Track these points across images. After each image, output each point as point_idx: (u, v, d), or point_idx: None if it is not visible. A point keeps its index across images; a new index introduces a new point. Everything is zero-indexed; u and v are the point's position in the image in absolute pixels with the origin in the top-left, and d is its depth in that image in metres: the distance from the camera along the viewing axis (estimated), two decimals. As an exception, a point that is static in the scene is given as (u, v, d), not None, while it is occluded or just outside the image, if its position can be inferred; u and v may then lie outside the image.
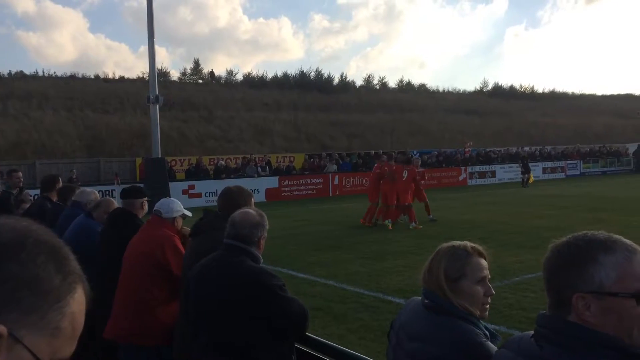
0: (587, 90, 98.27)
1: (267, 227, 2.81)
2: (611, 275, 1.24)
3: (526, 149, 36.36)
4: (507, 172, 30.71)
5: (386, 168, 14.40)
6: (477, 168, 29.82)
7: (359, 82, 63.85)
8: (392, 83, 67.82)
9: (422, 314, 1.94)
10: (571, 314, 1.28)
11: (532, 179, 26.60)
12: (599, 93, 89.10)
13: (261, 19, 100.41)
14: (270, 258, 7.65)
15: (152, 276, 3.61)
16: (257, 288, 2.59)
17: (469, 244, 1.99)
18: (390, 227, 13.36)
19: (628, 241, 1.30)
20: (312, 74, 57.41)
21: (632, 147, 37.95)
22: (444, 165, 29.66)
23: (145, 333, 3.53)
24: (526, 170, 26.95)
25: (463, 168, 29.30)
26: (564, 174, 32.83)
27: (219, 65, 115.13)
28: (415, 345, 1.91)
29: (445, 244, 2.01)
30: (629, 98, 72.15)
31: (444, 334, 1.83)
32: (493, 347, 1.80)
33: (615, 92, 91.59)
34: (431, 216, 14.46)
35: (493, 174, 30.15)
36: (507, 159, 33.10)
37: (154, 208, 3.88)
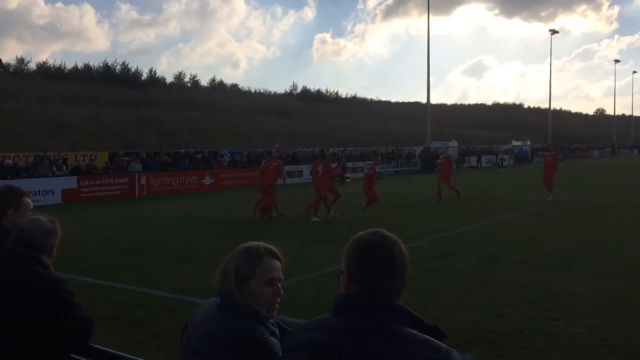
0: (384, 97, 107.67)
1: (60, 234, 2.67)
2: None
3: (331, 149, 38.56)
4: (314, 172, 32.28)
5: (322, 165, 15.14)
6: (286, 168, 30.77)
7: (169, 79, 61.87)
8: (204, 81, 67.00)
9: (213, 313, 1.93)
10: (391, 293, 1.53)
11: (349, 178, 28.69)
12: (393, 100, 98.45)
13: (60, 4, 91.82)
14: (66, 265, 7.00)
15: None
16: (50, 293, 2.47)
17: (263, 244, 2.01)
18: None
19: None
20: (118, 68, 54.13)
21: (418, 150, 42.51)
22: (254, 164, 30.10)
23: None
24: (344, 170, 28.83)
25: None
26: (363, 173, 35.56)
27: (7, 52, 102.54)
28: (200, 343, 1.89)
29: (242, 244, 2.01)
30: (417, 106, 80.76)
31: (227, 332, 1.84)
32: (275, 343, 1.85)
33: (406, 100, 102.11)
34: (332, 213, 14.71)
35: (301, 173, 31.47)
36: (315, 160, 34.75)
37: None
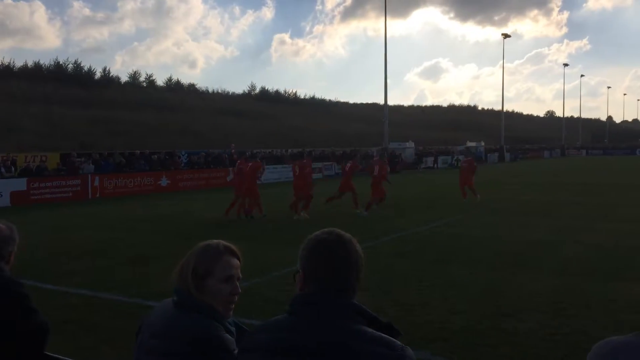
0: (342, 98, 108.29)
1: (18, 240, 2.63)
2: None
3: (289, 150, 38.51)
4: (272, 173, 32.18)
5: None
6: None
7: (124, 78, 60.61)
8: (161, 81, 65.88)
9: (169, 311, 1.93)
10: (348, 294, 1.57)
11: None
12: (351, 101, 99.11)
13: (9, 0, 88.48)
14: (15, 269, 6.78)
15: None
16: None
17: (222, 242, 2.02)
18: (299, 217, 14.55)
19: None
20: (71, 66, 52.75)
21: (375, 150, 42.92)
22: (212, 165, 29.82)
23: None
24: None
25: (231, 169, 29.83)
26: (321, 174, 35.69)
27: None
28: (155, 341, 1.88)
29: (202, 242, 2.01)
30: (375, 107, 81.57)
31: (182, 329, 1.84)
32: (231, 340, 1.86)
33: (364, 101, 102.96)
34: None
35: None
36: (273, 160, 34.69)
37: None
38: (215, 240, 2.01)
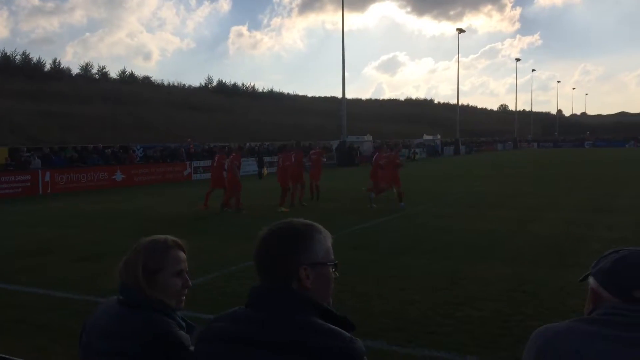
0: (300, 92, 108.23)
1: None
2: (322, 249, 1.58)
3: (248, 144, 38.28)
4: (230, 167, 31.94)
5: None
6: (202, 163, 30.29)
7: (75, 70, 58.96)
8: (114, 73, 64.37)
9: (115, 310, 1.89)
10: (294, 283, 1.53)
11: (266, 172, 29.24)
12: (309, 95, 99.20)
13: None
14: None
15: None
16: None
17: (169, 237, 2.00)
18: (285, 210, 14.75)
19: (320, 225, 1.65)
20: (18, 58, 50.94)
21: (334, 144, 43.14)
22: (168, 160, 29.34)
23: None
24: (261, 165, 29.67)
25: (188, 163, 29.45)
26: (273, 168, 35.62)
27: None
28: (105, 342, 1.84)
29: (146, 238, 1.99)
30: (333, 100, 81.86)
31: (133, 327, 1.81)
32: (185, 336, 1.85)
33: (322, 95, 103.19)
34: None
35: (217, 168, 31.03)
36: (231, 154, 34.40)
37: None
38: (161, 235, 1.99)
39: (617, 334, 1.30)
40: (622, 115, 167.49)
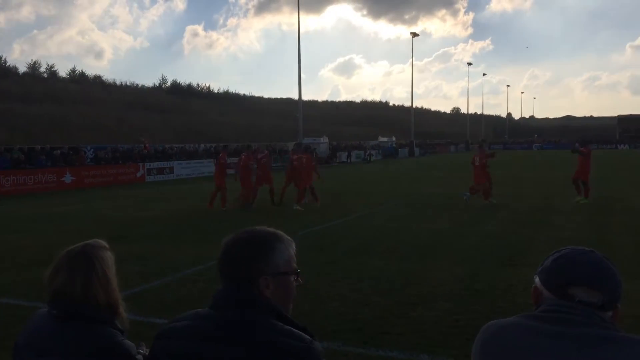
0: (257, 93, 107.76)
1: None
2: (283, 259, 1.60)
3: (203, 145, 37.82)
4: (185, 169, 31.47)
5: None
6: (155, 164, 29.73)
7: (22, 69, 56.97)
8: (63, 72, 62.55)
9: (49, 324, 1.80)
10: (254, 290, 1.56)
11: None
12: (266, 96, 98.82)
13: None
14: None
15: None
16: None
17: (99, 241, 1.95)
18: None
19: (284, 233, 1.66)
20: (-40, 54, 48.69)
21: (291, 146, 43.07)
22: (120, 161, 28.65)
23: None
24: None
25: (141, 164, 28.83)
26: (234, 170, 35.32)
27: None
28: (47, 359, 1.76)
29: (77, 245, 1.90)
30: (289, 102, 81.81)
31: (78, 341, 1.74)
32: (131, 345, 1.81)
33: (279, 96, 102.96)
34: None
35: (171, 170, 30.51)
36: (185, 156, 33.92)
37: None
38: (89, 241, 1.92)
39: (552, 329, 1.37)
40: (568, 118, 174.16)
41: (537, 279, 1.50)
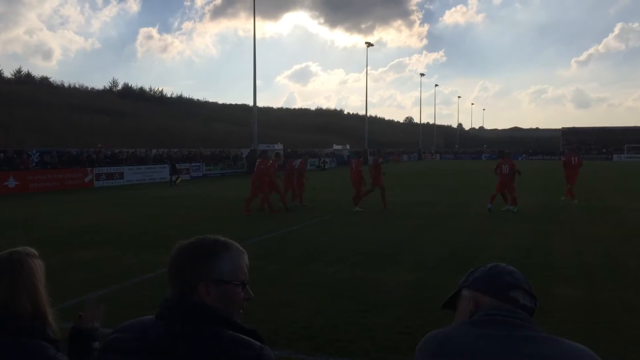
0: (211, 98, 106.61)
1: None
2: (229, 268, 1.56)
3: (155, 151, 37.12)
4: (135, 174, 30.80)
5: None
6: (105, 169, 28.97)
7: (-38, 67, 54.37)
8: (8, 73, 60.31)
9: None
10: (194, 297, 1.53)
11: (179, 179, 29.64)
12: (220, 102, 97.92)
13: None
14: None
15: None
16: None
17: (28, 248, 1.88)
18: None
19: (238, 244, 1.64)
20: None
21: (245, 152, 42.89)
22: (67, 165, 27.77)
23: None
24: (174, 172, 29.63)
25: (89, 169, 28.04)
26: (188, 175, 34.84)
27: None
28: None
29: (3, 254, 1.84)
30: (244, 108, 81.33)
31: (10, 357, 1.68)
32: (65, 358, 1.76)
33: (233, 102, 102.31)
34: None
35: (121, 175, 29.80)
36: (136, 161, 33.21)
37: None
38: (17, 248, 1.85)
39: (496, 332, 1.43)
40: (515, 130, 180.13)
41: (467, 292, 1.58)
